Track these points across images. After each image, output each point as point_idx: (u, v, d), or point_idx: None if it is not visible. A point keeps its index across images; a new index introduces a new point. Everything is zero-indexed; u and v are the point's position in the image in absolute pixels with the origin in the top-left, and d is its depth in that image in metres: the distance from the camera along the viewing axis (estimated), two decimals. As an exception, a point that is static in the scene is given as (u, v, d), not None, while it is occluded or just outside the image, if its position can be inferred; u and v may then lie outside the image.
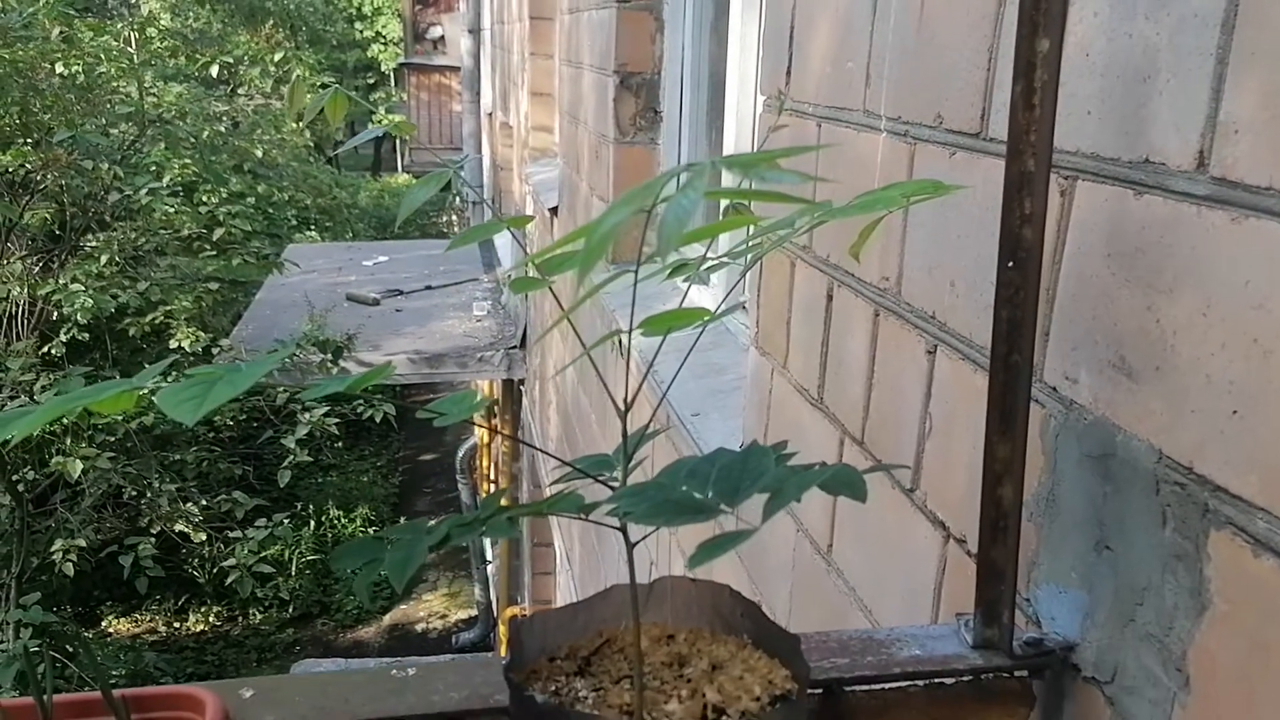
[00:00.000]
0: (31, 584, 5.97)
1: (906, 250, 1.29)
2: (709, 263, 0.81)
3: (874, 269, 1.38)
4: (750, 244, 0.76)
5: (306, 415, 5.54)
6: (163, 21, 10.21)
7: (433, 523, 0.62)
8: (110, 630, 10.48)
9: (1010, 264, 0.88)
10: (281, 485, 5.33)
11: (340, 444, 13.35)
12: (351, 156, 27.27)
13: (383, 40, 24.18)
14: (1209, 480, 0.78)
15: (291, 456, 5.49)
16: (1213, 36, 0.77)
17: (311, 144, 12.01)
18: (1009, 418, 0.90)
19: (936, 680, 0.95)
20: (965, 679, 0.96)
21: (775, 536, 1.80)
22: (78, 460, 4.96)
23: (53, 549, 5.52)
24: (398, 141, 24.99)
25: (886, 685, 0.94)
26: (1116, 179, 0.87)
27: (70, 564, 5.44)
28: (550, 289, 0.80)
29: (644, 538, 0.70)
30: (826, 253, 1.56)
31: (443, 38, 19.14)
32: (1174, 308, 0.81)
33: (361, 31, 24.26)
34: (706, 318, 0.70)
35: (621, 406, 0.71)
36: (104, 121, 5.89)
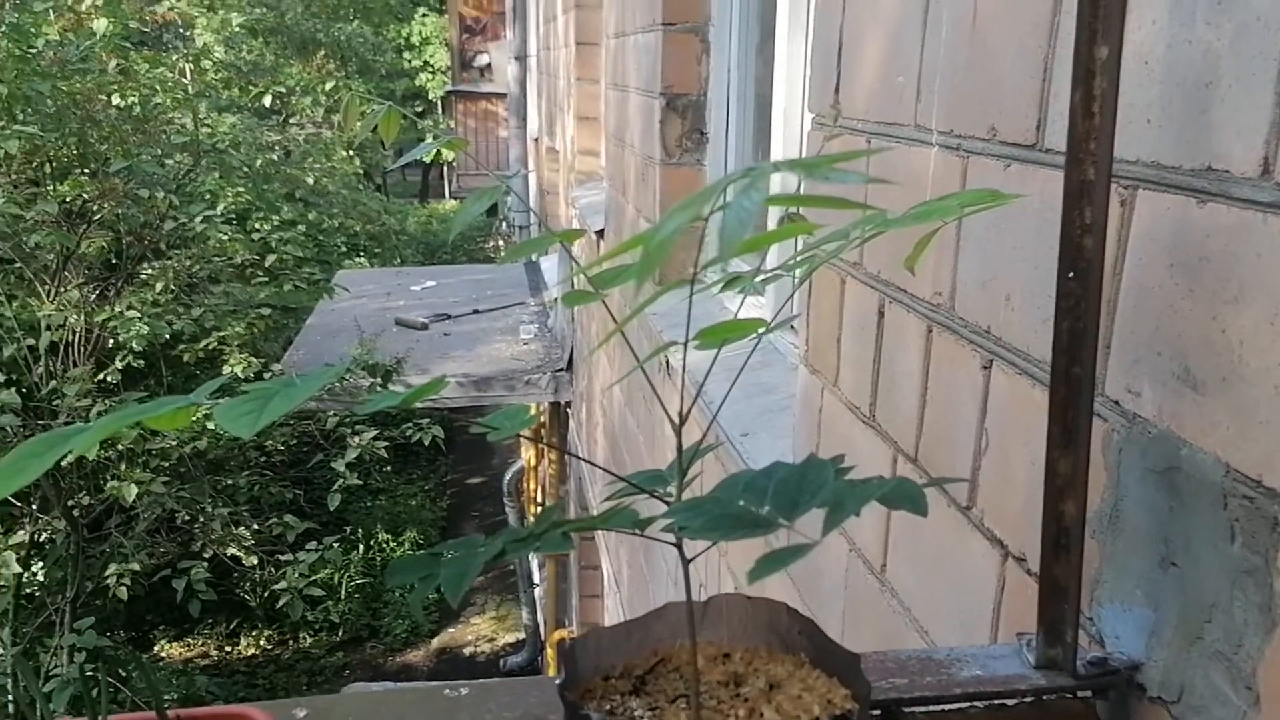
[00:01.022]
0: (85, 608, 6.04)
1: (960, 265, 1.27)
2: (763, 275, 0.80)
3: (926, 284, 1.37)
4: (803, 255, 0.75)
5: (356, 439, 5.58)
6: (217, 54, 10.41)
7: (487, 540, 0.62)
8: (163, 654, 10.59)
9: (1071, 274, 0.86)
10: (331, 509, 5.36)
11: (389, 468, 13.46)
12: (399, 184, 27.59)
13: (430, 69, 24.48)
14: (1279, 493, 0.75)
15: (341, 480, 5.53)
16: (1276, 41, 0.75)
17: (360, 171, 12.16)
18: (1071, 432, 0.88)
19: (998, 701, 0.93)
20: (1027, 700, 0.93)
21: (828, 556, 1.78)
22: (132, 485, 5.02)
23: (107, 574, 5.59)
24: (445, 168, 25.26)
25: (947, 706, 0.93)
26: (1178, 187, 0.86)
27: (124, 588, 5.50)
28: (604, 304, 0.80)
29: (699, 554, 0.69)
30: (877, 269, 1.55)
31: (489, 65, 19.33)
32: (1240, 317, 0.79)
33: (410, 61, 24.58)
34: (762, 328, 0.69)
35: (676, 420, 0.71)
36: (159, 151, 6.00)
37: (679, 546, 0.67)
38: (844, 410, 1.69)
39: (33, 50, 5.08)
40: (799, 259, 0.76)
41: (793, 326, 2.55)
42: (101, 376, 6.16)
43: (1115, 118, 0.82)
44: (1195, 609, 0.85)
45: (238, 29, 9.23)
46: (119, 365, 6.09)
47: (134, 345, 5.73)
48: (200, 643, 10.92)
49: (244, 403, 0.60)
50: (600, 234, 5.11)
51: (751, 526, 0.58)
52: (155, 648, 10.58)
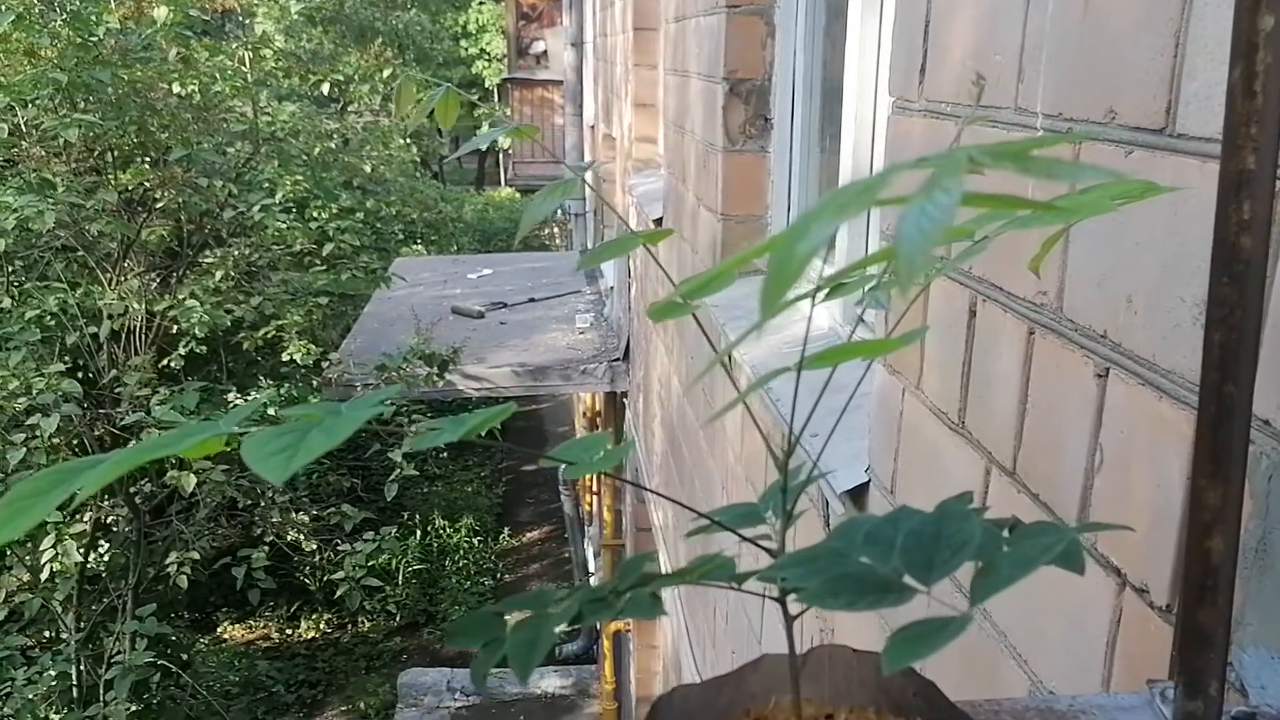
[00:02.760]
0: (148, 594, 6.08)
1: (1069, 262, 1.16)
2: (874, 283, 0.70)
3: (1027, 282, 1.25)
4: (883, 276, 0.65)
5: (413, 429, 5.53)
6: (277, 42, 10.43)
7: (561, 598, 0.53)
8: (226, 636, 10.71)
9: (1225, 279, 0.75)
10: (388, 498, 5.33)
11: (445, 454, 13.48)
12: (456, 171, 27.67)
13: (487, 57, 24.49)
14: None
15: (398, 470, 5.50)
16: None
17: (418, 159, 12.17)
18: (1222, 458, 0.77)
19: (1130, 761, 0.83)
20: (1164, 759, 0.83)
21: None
22: (191, 475, 5.02)
23: (168, 561, 5.61)
24: (500, 155, 25.26)
25: (1072, 766, 0.82)
26: (1356, 177, 0.74)
27: (185, 576, 5.52)
28: (694, 316, 0.70)
29: (806, 609, 0.59)
30: (968, 264, 1.43)
31: (545, 52, 19.26)
32: None
33: (466, 49, 24.61)
34: (888, 348, 0.58)
35: (779, 453, 0.61)
36: (220, 140, 5.99)
37: (783, 603, 0.57)
38: (928, 415, 1.58)
39: (94, 39, 5.08)
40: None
41: (862, 320, 2.44)
42: (165, 363, 6.19)
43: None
44: (1369, 665, 0.73)
45: (296, 16, 9.21)
46: (182, 352, 6.11)
47: (196, 332, 5.74)
48: (262, 625, 11.04)
49: (278, 436, 0.51)
50: (658, 223, 5.00)
51: (880, 592, 0.48)
52: (218, 629, 10.71)
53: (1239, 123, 0.72)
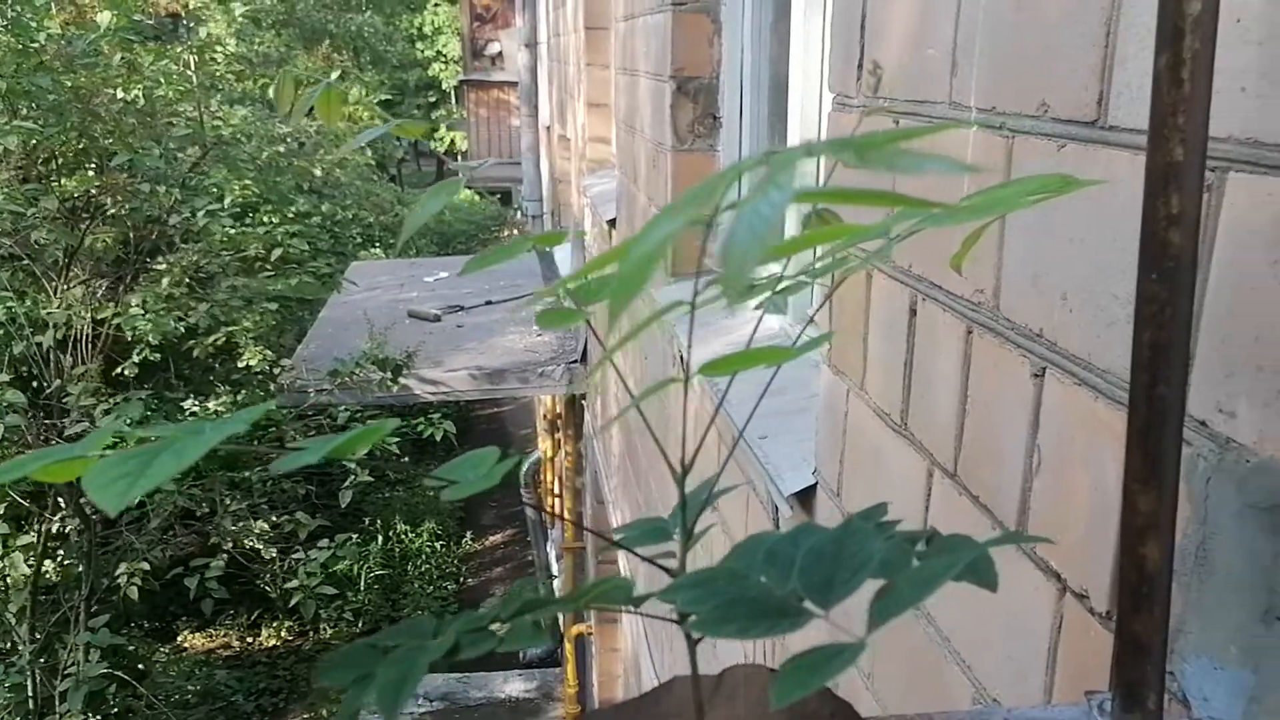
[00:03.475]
0: (102, 605, 5.97)
1: (1005, 258, 1.13)
2: (784, 284, 0.66)
3: (965, 280, 1.22)
4: (825, 259, 0.62)
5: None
6: (229, 45, 10.28)
7: (439, 629, 0.48)
8: (186, 645, 10.55)
9: (1154, 275, 0.72)
10: (343, 505, 5.25)
11: (406, 459, 13.37)
12: (414, 174, 27.46)
13: (443, 59, 24.32)
14: None
15: (353, 476, 5.42)
16: None
17: (373, 162, 12.04)
18: (1155, 463, 0.74)
19: (1067, 777, 0.80)
20: (1102, 775, 0.80)
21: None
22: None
23: (118, 572, 5.50)
24: (460, 157, 25.12)
25: (1006, 784, 0.79)
26: (1284, 168, 0.71)
27: (135, 587, 5.41)
28: (589, 322, 0.66)
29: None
30: (908, 262, 1.40)
31: (501, 53, 19.15)
32: (1371, 327, 0.65)
33: (423, 51, 24.43)
34: (787, 356, 0.55)
35: (679, 467, 0.57)
36: (170, 146, 5.88)
37: (684, 627, 0.54)
38: (872, 416, 1.55)
39: (34, 44, 4.96)
40: (823, 263, 0.62)
41: (814, 320, 2.41)
42: (119, 371, 6.08)
43: (1210, 86, 0.68)
44: (1308, 675, 0.71)
45: (241, 20, 9.08)
46: (136, 360, 6.00)
47: (150, 339, 5.64)
48: (222, 634, 10.89)
49: (123, 461, 0.47)
50: (612, 223, 4.97)
51: (775, 617, 0.44)
52: (178, 638, 10.55)
53: (1166, 113, 0.69)
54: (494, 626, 0.48)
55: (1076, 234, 0.98)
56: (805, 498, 1.90)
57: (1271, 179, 0.72)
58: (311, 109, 0.84)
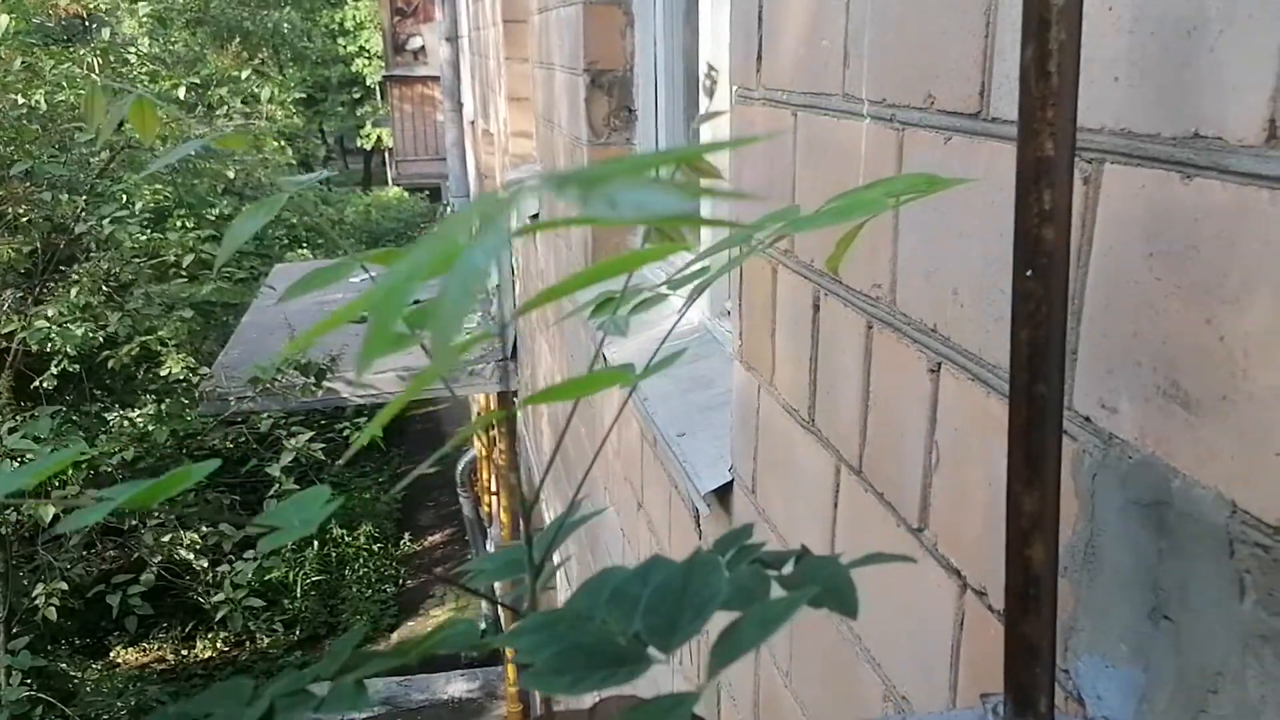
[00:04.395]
0: (26, 625, 5.80)
1: (900, 252, 1.11)
2: (636, 300, 0.63)
3: (863, 275, 1.21)
4: (684, 272, 0.59)
5: (291, 441, 5.36)
6: (141, 45, 10.01)
7: (255, 696, 0.45)
8: (119, 661, 10.31)
9: (1029, 273, 0.70)
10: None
11: (335, 463, 13.19)
12: (343, 173, 27.06)
13: (367, 54, 23.95)
14: (1302, 542, 0.60)
15: (278, 485, 5.31)
16: (1275, -28, 0.60)
17: (294, 162, 11.83)
18: (1037, 462, 0.72)
19: (962, 784, 0.78)
20: (997, 780, 0.78)
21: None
22: (49, 506, 4.77)
23: (35, 594, 5.34)
24: (387, 154, 24.78)
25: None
26: (1156, 160, 0.70)
27: (53, 608, 5.26)
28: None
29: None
30: (810, 257, 1.39)
31: (423, 48, 18.91)
32: (1243, 320, 0.63)
33: (345, 46, 24.04)
34: (624, 381, 0.52)
35: (522, 502, 0.54)
36: (80, 151, 5.70)
37: (520, 677, 0.50)
38: (782, 413, 1.54)
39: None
40: (679, 277, 0.59)
41: (728, 310, 2.39)
42: (38, 384, 5.90)
43: (1078, 77, 0.66)
44: (1196, 675, 0.70)
45: (144, 18, 8.84)
46: (54, 371, 5.82)
47: (68, 350, 5.48)
48: (156, 648, 10.65)
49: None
50: (534, 218, 4.92)
51: (613, 666, 0.42)
52: (110, 654, 10.30)
53: (1035, 106, 0.68)
54: (314, 686, 0.45)
55: (964, 228, 0.96)
56: (724, 495, 1.89)
57: (1144, 170, 0.71)
58: (122, 122, 0.79)
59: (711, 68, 1.30)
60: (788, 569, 0.53)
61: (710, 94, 1.30)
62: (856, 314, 1.24)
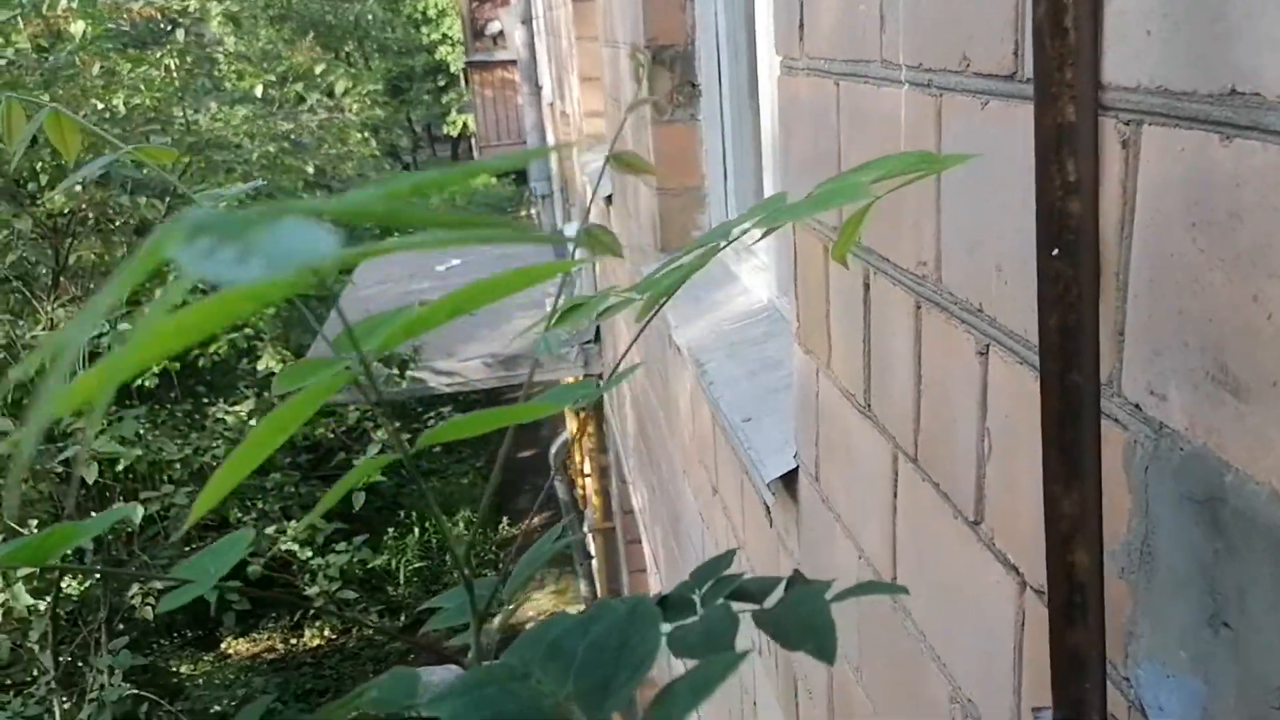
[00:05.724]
0: (130, 623, 5.97)
1: (944, 226, 1.04)
2: (606, 304, 0.58)
3: (909, 251, 1.14)
4: (667, 270, 0.54)
5: (379, 433, 5.41)
6: (228, 44, 10.19)
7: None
8: (230, 651, 10.60)
9: (1055, 251, 0.63)
10: (355, 508, 5.20)
11: (437, 450, 13.36)
12: (431, 160, 27.33)
13: (450, 41, 24.11)
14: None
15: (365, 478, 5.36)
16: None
17: (379, 153, 11.94)
18: (1074, 459, 0.66)
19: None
20: (1047, 802, 0.72)
21: (837, 557, 1.57)
22: (139, 506, 4.86)
23: (130, 594, 5.49)
24: (473, 141, 24.98)
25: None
26: (1194, 120, 0.62)
27: (149, 608, 5.40)
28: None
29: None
30: (860, 234, 1.32)
31: (501, 32, 18.95)
32: (1295, 298, 0.56)
33: (428, 35, 24.25)
34: (580, 396, 0.47)
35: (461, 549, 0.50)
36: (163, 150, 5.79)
37: None
38: (840, 397, 1.47)
39: (1, 60, 4.90)
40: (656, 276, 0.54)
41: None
42: (140, 383, 6.06)
43: (1099, 32, 0.59)
44: (1258, 688, 0.63)
45: (220, 18, 8.98)
46: (155, 370, 5.97)
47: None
48: (265, 637, 10.92)
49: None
50: (609, 200, 4.88)
51: (538, 734, 0.37)
52: (222, 645, 10.60)
53: (1052, 67, 0.61)
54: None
55: (1004, 200, 0.89)
56: (790, 482, 1.83)
57: (1183, 131, 0.64)
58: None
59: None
60: (773, 598, 0.47)
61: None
62: (905, 293, 1.17)
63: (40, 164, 5.23)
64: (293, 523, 6.95)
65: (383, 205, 0.24)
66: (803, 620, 0.43)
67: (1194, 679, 0.70)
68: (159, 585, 5.40)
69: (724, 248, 0.54)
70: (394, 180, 0.28)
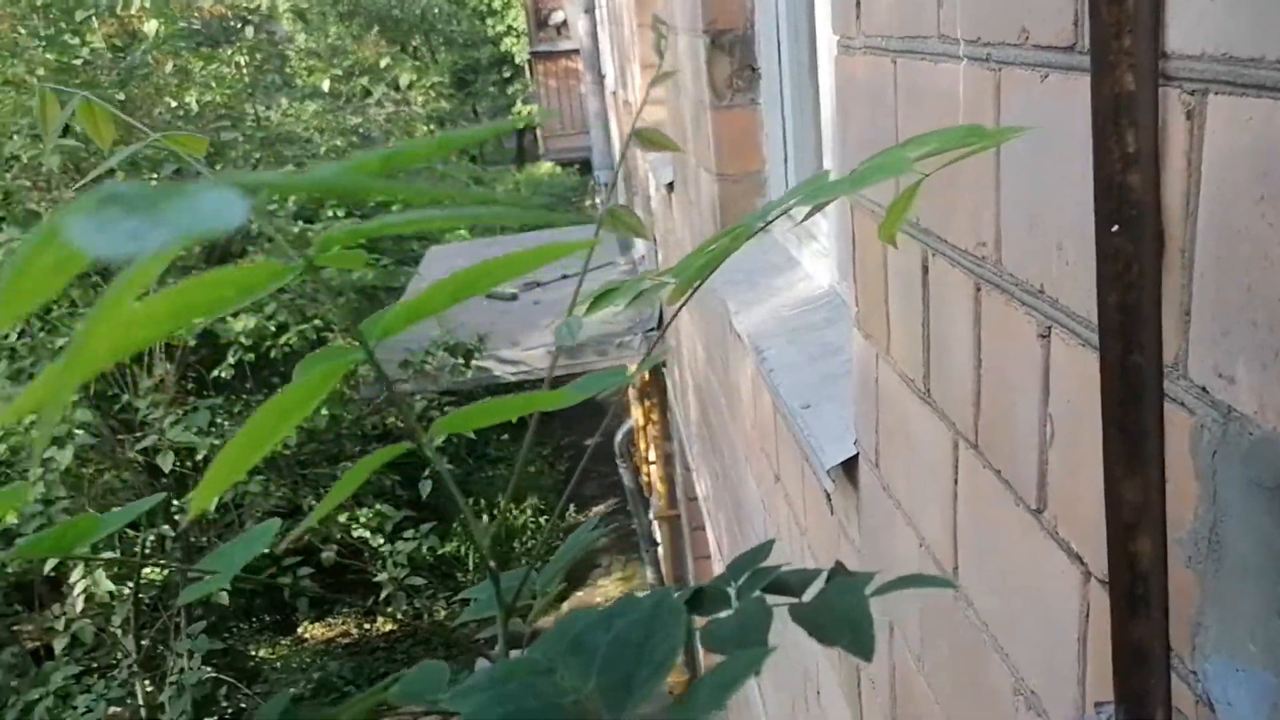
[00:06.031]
0: (208, 608, 6.10)
1: (1003, 204, 1.01)
2: (639, 288, 0.57)
3: (967, 231, 1.11)
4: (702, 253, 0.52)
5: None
6: (299, 40, 10.33)
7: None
8: (306, 636, 10.79)
9: (1115, 227, 0.61)
10: (423, 496, 5.24)
11: (505, 437, 13.47)
12: (496, 151, 27.53)
13: (515, 33, 24.22)
14: None
15: (431, 465, 5.42)
16: None
17: (444, 145, 12.01)
18: (1136, 444, 0.63)
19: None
20: (1110, 799, 0.70)
21: (897, 546, 1.54)
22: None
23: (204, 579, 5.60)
24: (538, 130, 25.10)
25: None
26: (1262, 87, 0.59)
27: (224, 593, 5.51)
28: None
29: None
30: (916, 215, 1.29)
31: (564, 22, 18.98)
32: (1371, 273, 0.53)
33: (493, 26, 24.37)
34: (608, 384, 0.46)
35: (486, 552, 0.49)
36: (230, 153, 5.91)
37: None
38: (899, 382, 1.44)
39: (77, 60, 5.02)
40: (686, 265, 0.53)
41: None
42: (217, 374, 6.20)
43: (1158, -4, 0.57)
44: (1334, 685, 0.60)
45: (286, 14, 9.11)
46: (231, 362, 6.10)
47: (242, 340, 5.73)
48: (340, 622, 11.09)
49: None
50: (670, 187, 4.86)
51: (560, 733, 0.36)
52: (298, 629, 10.79)
53: (1108, 35, 0.58)
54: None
55: (1066, 174, 0.86)
56: (850, 468, 1.80)
57: (1251, 100, 0.60)
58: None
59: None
60: (812, 590, 0.46)
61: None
62: (964, 275, 1.14)
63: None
64: (364, 510, 7.04)
65: (347, 180, 0.23)
66: (840, 614, 0.41)
67: (1264, 672, 0.66)
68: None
69: (758, 231, 0.52)
70: (365, 155, 0.27)
